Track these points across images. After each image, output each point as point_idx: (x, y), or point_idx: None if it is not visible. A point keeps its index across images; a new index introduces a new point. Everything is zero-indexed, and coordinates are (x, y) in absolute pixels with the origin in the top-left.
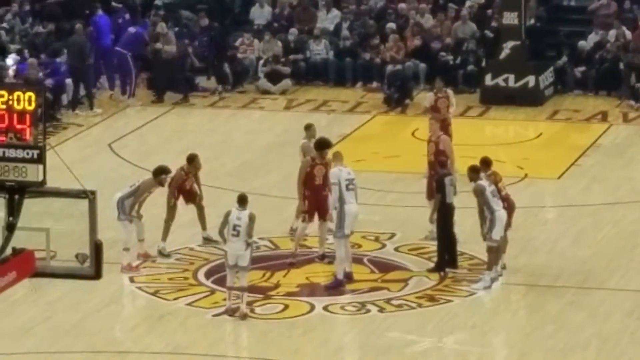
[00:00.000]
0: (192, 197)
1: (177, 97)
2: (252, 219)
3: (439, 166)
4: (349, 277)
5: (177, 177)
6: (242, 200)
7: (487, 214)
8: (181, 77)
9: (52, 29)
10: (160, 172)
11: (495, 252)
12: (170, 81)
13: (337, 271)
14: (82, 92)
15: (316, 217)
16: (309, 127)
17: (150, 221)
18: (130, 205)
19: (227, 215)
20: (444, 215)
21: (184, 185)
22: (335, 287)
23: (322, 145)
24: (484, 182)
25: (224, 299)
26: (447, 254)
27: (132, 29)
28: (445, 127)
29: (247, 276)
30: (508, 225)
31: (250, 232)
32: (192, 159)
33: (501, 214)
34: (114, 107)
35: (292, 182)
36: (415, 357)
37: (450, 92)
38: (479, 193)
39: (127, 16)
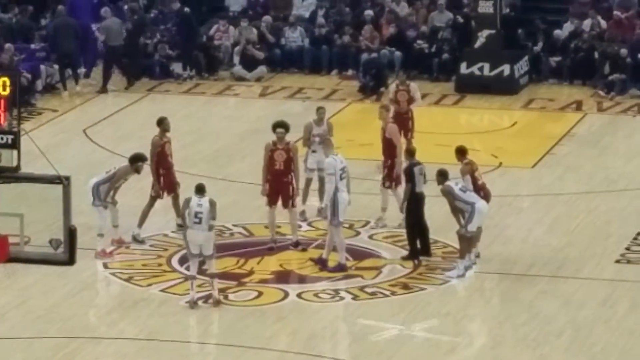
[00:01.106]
0: (173, 188)
1: (151, 84)
2: (212, 203)
3: (407, 155)
4: (324, 264)
5: (154, 144)
6: (200, 190)
7: (465, 208)
8: (136, 62)
9: (28, 11)
10: (137, 160)
11: (467, 240)
12: (144, 67)
13: (340, 257)
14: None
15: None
16: (318, 110)
17: (125, 207)
18: (105, 191)
19: (187, 202)
20: (415, 204)
21: (165, 153)
22: (338, 271)
23: (275, 125)
24: (450, 182)
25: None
26: (420, 242)
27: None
28: (403, 120)
29: (217, 263)
30: None
31: (214, 215)
32: (160, 122)
33: (480, 205)
34: (89, 93)
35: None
36: (388, 344)
37: (413, 85)
38: (447, 194)
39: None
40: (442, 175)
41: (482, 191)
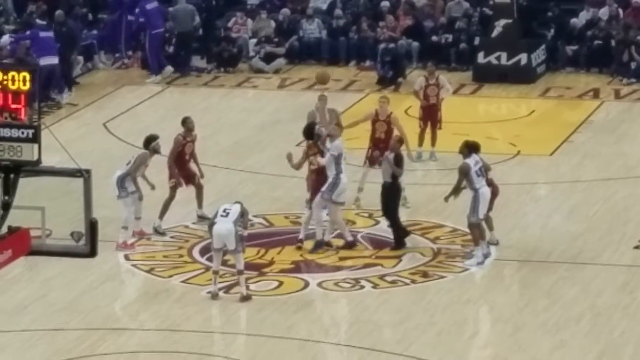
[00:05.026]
0: (192, 178)
1: (169, 77)
2: (244, 212)
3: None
4: (328, 244)
5: (176, 142)
6: (237, 202)
7: (470, 190)
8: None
9: (44, 9)
10: (150, 141)
11: (478, 227)
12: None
13: (344, 235)
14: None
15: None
16: (320, 97)
17: (146, 199)
18: (131, 181)
19: (215, 213)
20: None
21: (184, 152)
22: (349, 248)
23: (311, 130)
24: (470, 160)
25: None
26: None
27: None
28: (434, 112)
29: (242, 256)
30: (490, 207)
31: (246, 224)
32: (183, 121)
33: (484, 191)
34: (109, 87)
35: (286, 160)
36: (409, 333)
37: (442, 78)
38: (464, 172)
39: None
40: (469, 147)
41: (490, 187)
